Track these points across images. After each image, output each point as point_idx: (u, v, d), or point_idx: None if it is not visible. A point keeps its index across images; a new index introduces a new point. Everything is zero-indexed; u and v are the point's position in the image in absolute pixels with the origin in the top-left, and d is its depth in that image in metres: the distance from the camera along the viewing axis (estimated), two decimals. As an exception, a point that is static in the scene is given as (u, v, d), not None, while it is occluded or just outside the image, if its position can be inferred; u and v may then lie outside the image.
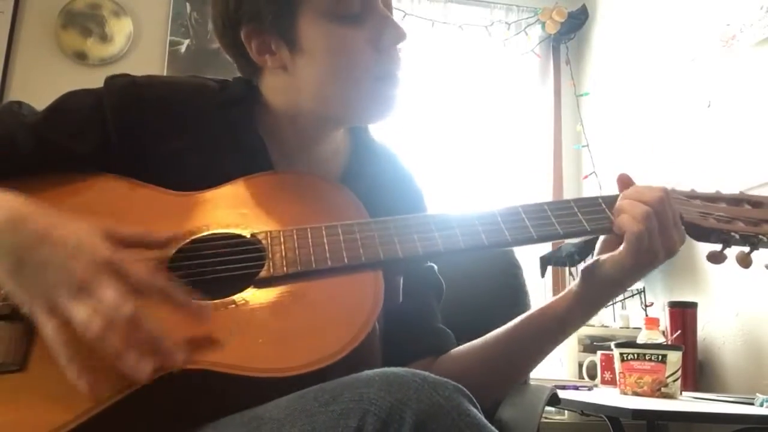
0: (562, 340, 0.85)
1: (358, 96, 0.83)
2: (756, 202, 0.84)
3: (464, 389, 0.54)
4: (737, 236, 0.79)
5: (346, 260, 0.71)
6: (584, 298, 0.80)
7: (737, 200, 0.84)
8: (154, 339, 0.60)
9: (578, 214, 0.78)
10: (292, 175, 0.85)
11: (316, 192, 0.82)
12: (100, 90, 0.85)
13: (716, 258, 0.80)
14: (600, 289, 0.80)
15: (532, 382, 1.07)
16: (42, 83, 2.54)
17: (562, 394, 0.97)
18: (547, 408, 1.95)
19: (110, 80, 0.86)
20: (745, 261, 0.80)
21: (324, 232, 0.74)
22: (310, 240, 0.73)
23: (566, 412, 2.14)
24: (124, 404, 0.60)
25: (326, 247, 0.72)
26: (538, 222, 0.77)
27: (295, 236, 0.74)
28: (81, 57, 2.62)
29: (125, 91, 0.84)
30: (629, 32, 2.68)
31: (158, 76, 0.89)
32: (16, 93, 2.54)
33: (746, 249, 0.80)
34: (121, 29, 2.66)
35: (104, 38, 2.65)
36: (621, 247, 0.75)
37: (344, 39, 0.81)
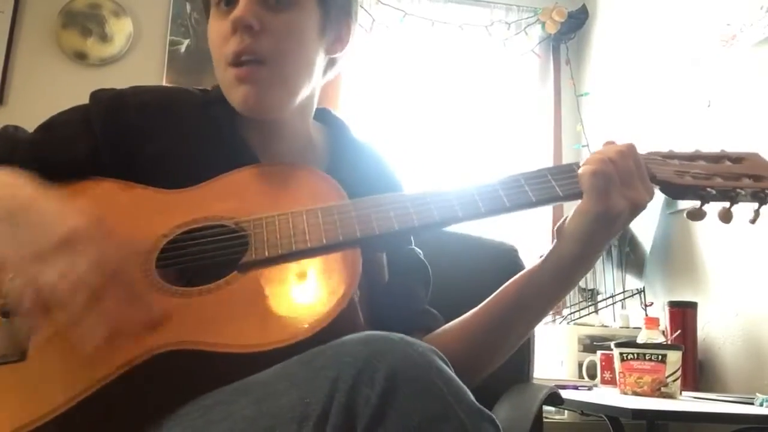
0: (540, 313, 0.85)
1: (220, 80, 0.87)
2: (737, 158, 0.83)
3: (439, 352, 0.57)
4: (714, 191, 0.79)
5: (324, 240, 0.74)
6: (556, 259, 0.80)
7: (718, 157, 0.84)
8: (115, 317, 0.64)
9: (551, 181, 0.79)
10: (278, 166, 0.88)
11: (300, 181, 0.85)
12: (87, 105, 0.90)
13: (695, 215, 0.80)
14: (569, 247, 0.79)
15: (532, 382, 1.07)
16: (42, 83, 2.54)
17: (562, 393, 0.97)
18: (547, 408, 1.96)
19: (96, 93, 0.91)
20: (726, 216, 0.80)
21: (305, 216, 0.77)
22: (291, 224, 0.76)
23: (566, 412, 2.14)
24: (120, 383, 0.64)
25: (306, 229, 0.75)
26: (511, 192, 0.78)
27: (277, 221, 0.77)
28: (81, 57, 2.62)
29: (110, 101, 0.89)
30: (629, 32, 2.68)
31: (143, 86, 0.93)
32: (16, 93, 2.54)
33: (726, 204, 0.80)
34: (121, 29, 2.66)
35: (104, 38, 2.65)
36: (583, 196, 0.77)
37: (211, 28, 0.87)
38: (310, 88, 0.89)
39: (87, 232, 0.66)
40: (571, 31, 2.98)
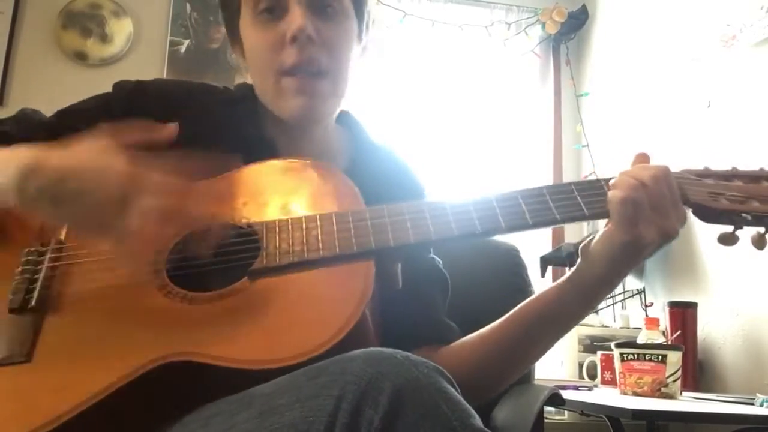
0: (561, 330, 0.82)
1: (267, 90, 0.86)
2: None
3: (444, 371, 0.56)
4: (749, 217, 0.75)
5: (338, 250, 0.72)
6: (579, 280, 0.78)
7: (755, 177, 0.79)
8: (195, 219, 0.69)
9: (577, 197, 0.76)
10: (295, 162, 0.86)
11: (316, 180, 0.83)
12: (108, 93, 0.90)
13: (727, 240, 0.76)
14: (593, 269, 0.76)
15: (534, 383, 1.07)
16: (42, 83, 2.54)
17: (562, 394, 0.97)
18: (548, 408, 1.96)
19: (119, 82, 0.91)
20: (759, 242, 0.75)
21: (318, 222, 0.74)
22: (304, 230, 0.74)
23: (566, 412, 2.14)
24: (125, 391, 0.62)
25: (320, 237, 0.73)
26: (535, 207, 0.75)
27: (290, 226, 0.75)
28: (81, 57, 2.62)
29: (133, 90, 0.89)
30: (629, 32, 2.68)
31: (165, 78, 0.93)
32: (16, 93, 2.54)
33: (761, 230, 0.76)
34: (121, 29, 2.66)
35: (104, 38, 2.64)
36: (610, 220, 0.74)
37: (257, 37, 0.85)
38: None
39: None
40: (571, 31, 2.98)
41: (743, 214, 0.75)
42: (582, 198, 0.76)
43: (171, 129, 0.80)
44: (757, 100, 1.97)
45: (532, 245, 2.60)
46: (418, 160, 2.70)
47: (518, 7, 2.96)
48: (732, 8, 2.11)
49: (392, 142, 1.01)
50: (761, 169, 0.80)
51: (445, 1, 2.91)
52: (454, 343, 0.87)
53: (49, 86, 2.53)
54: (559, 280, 0.81)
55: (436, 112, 2.87)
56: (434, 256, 0.94)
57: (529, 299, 0.83)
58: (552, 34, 2.95)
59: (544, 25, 2.92)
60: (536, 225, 0.74)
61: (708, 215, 0.77)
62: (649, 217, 0.72)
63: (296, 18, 0.81)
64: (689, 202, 0.76)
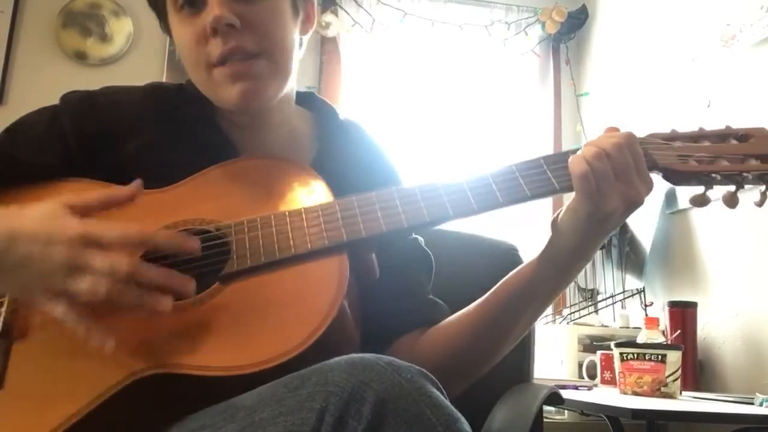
0: (541, 305, 0.82)
1: (201, 83, 0.84)
2: (743, 135, 0.78)
3: (429, 374, 0.55)
4: (719, 177, 0.75)
5: (309, 246, 0.70)
6: (553, 253, 0.78)
7: (723, 135, 0.79)
8: (162, 277, 0.64)
9: (547, 172, 0.74)
10: (257, 161, 0.84)
11: (282, 176, 0.81)
12: (56, 105, 0.88)
13: (699, 201, 0.76)
14: (564, 242, 0.76)
15: (533, 382, 1.07)
16: (42, 83, 2.54)
17: (562, 393, 0.97)
18: (547, 408, 1.96)
19: (66, 95, 0.89)
20: (731, 201, 0.76)
21: (288, 219, 0.73)
22: (273, 228, 0.72)
23: (566, 412, 2.14)
24: (100, 410, 0.61)
25: (290, 234, 0.71)
26: (505, 185, 0.74)
27: (259, 225, 0.73)
28: (81, 57, 2.62)
29: (81, 102, 0.87)
30: (629, 32, 2.68)
31: (114, 86, 0.91)
32: (16, 92, 2.54)
33: (732, 188, 0.76)
34: (121, 29, 2.66)
35: (104, 38, 2.64)
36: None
37: (182, 32, 0.82)
38: (295, 72, 0.87)
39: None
40: (570, 31, 2.98)
41: (713, 174, 0.75)
42: (552, 172, 0.74)
43: (133, 188, 0.76)
44: (757, 100, 1.97)
45: (531, 245, 2.59)
46: (417, 161, 2.71)
47: (518, 7, 2.96)
48: (732, 8, 2.11)
49: (362, 122, 0.98)
50: (727, 127, 0.80)
51: (445, 0, 2.90)
52: (441, 323, 0.86)
53: (49, 86, 2.53)
54: (535, 256, 0.80)
55: (436, 112, 2.87)
56: (416, 236, 0.92)
57: (508, 275, 0.82)
58: (552, 34, 2.95)
59: (543, 24, 2.92)
60: (507, 203, 0.73)
61: (678, 178, 0.77)
62: (612, 186, 0.71)
63: (212, 8, 0.77)
64: (658, 167, 0.75)
